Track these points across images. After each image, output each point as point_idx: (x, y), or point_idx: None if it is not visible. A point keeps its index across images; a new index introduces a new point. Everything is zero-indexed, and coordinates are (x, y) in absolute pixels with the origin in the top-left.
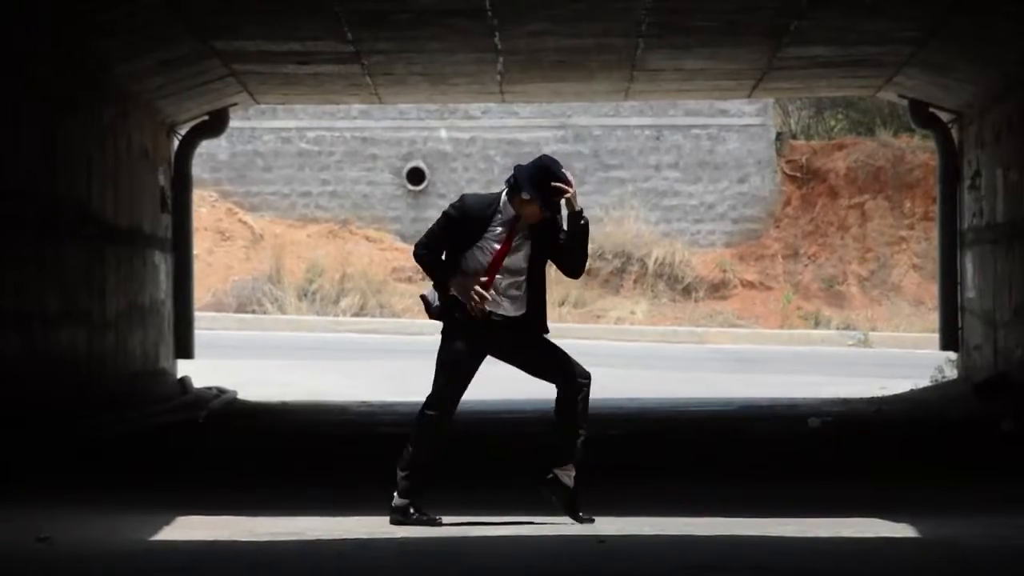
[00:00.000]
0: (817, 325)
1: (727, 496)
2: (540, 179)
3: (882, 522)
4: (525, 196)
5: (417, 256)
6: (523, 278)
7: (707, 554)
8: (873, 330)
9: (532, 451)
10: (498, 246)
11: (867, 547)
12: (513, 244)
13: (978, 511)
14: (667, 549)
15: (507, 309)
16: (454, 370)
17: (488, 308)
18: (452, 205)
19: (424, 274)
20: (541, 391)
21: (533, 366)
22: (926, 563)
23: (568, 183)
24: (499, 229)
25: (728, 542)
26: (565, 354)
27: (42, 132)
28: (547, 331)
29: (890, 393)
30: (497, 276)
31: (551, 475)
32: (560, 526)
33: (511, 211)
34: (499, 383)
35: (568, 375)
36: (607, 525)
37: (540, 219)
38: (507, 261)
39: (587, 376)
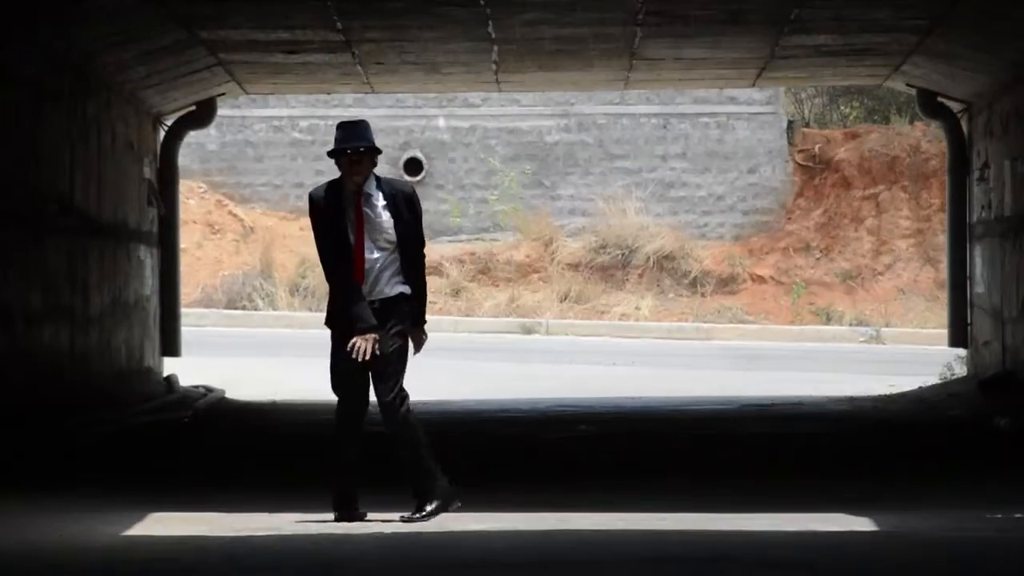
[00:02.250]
0: (829, 321)
1: (718, 492)
2: (337, 138)
3: (852, 517)
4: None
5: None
6: (384, 258)
7: (673, 546)
8: (887, 326)
9: (506, 450)
10: (356, 228)
11: (830, 540)
12: (365, 221)
13: (953, 506)
14: (638, 542)
15: (373, 292)
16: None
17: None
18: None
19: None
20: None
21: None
22: (880, 554)
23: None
24: (349, 211)
25: (696, 535)
26: (396, 368)
27: (24, 124)
28: (408, 321)
29: (897, 391)
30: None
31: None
32: (533, 522)
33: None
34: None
35: (378, 392)
36: (583, 519)
37: (360, 173)
38: (366, 241)
39: (392, 402)
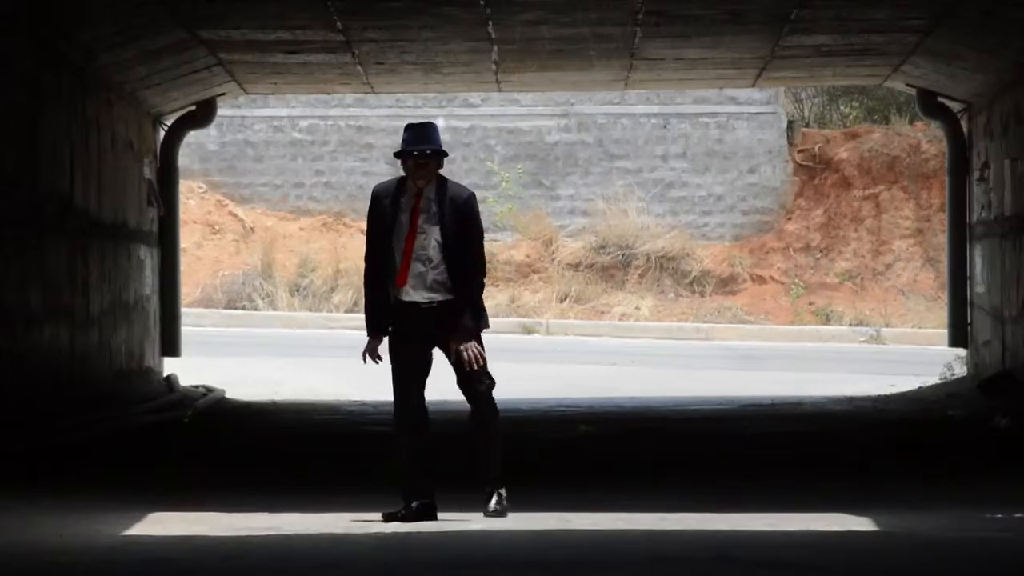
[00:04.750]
0: (829, 321)
1: (718, 492)
2: (404, 139)
3: (852, 517)
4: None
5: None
6: (433, 263)
7: (673, 546)
8: (887, 326)
9: (505, 450)
10: (407, 230)
11: (830, 540)
12: (419, 224)
13: (953, 506)
14: (638, 542)
15: (419, 296)
16: (397, 366)
17: (403, 297)
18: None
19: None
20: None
21: (454, 366)
22: (880, 554)
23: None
24: (406, 213)
25: (696, 535)
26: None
27: (24, 124)
28: (468, 329)
29: (897, 391)
30: (418, 256)
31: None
32: (533, 521)
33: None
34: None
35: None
36: (583, 519)
37: (424, 178)
38: (416, 244)
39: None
